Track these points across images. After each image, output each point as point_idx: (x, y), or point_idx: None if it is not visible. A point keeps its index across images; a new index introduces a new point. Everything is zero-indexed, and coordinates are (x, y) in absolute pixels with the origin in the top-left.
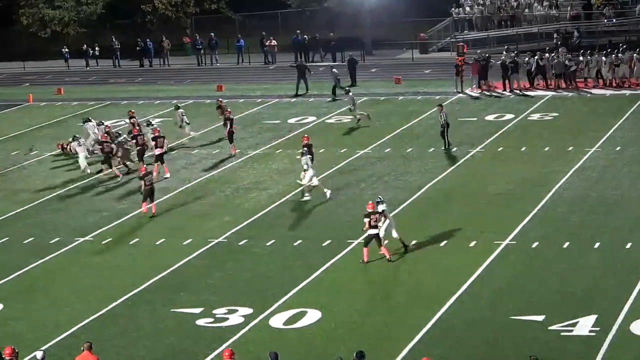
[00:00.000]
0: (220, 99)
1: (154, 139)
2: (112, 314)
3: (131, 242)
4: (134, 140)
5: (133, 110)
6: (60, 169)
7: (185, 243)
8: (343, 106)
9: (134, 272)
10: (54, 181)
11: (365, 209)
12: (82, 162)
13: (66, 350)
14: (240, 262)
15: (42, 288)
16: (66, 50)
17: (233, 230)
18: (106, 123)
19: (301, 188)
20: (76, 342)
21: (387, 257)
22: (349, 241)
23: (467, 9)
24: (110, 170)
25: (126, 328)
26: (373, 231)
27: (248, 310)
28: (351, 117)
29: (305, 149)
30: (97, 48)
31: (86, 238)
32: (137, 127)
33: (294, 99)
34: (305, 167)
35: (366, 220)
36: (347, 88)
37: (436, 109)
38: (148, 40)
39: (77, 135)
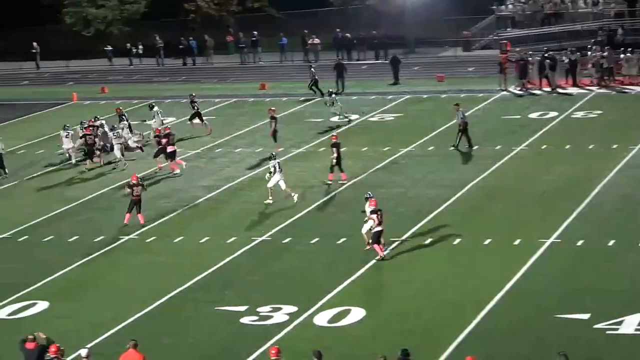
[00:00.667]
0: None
1: (165, 136)
2: (157, 312)
3: (175, 241)
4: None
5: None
6: (103, 167)
7: (229, 241)
8: (386, 104)
9: (178, 271)
10: (98, 180)
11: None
12: (66, 145)
13: (111, 348)
14: (284, 261)
15: (87, 286)
16: (110, 49)
17: (277, 229)
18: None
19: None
20: (121, 340)
21: (380, 255)
22: (392, 239)
23: (510, 6)
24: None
25: (171, 326)
26: (379, 228)
27: (292, 308)
28: (339, 117)
29: (334, 147)
30: (140, 47)
31: (131, 236)
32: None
33: (337, 97)
34: (272, 169)
35: (374, 215)
36: (330, 90)
37: (453, 108)
38: (191, 38)
39: (67, 125)
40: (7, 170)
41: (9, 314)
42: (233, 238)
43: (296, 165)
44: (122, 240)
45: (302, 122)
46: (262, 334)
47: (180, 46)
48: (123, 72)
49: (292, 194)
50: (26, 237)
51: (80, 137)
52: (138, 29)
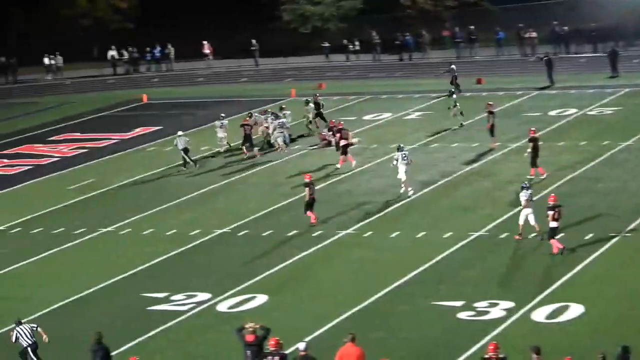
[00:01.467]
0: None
1: (337, 130)
2: (372, 306)
3: (392, 236)
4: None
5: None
6: (322, 160)
7: (445, 236)
8: (605, 97)
9: (395, 266)
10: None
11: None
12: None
13: (328, 342)
14: (501, 256)
15: (305, 280)
16: (327, 45)
17: (494, 224)
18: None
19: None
20: (338, 334)
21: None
22: (611, 234)
23: None
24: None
25: (387, 321)
26: (554, 224)
27: (510, 304)
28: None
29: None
30: (357, 43)
31: (347, 231)
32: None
33: (554, 91)
34: (394, 162)
35: (550, 212)
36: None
37: None
38: (407, 34)
39: (222, 115)
40: (196, 164)
41: (229, 307)
42: (449, 233)
43: (513, 160)
44: (338, 235)
45: (519, 117)
46: (479, 330)
47: (396, 42)
48: (340, 68)
49: (409, 189)
50: (246, 231)
51: (240, 126)
52: (354, 25)
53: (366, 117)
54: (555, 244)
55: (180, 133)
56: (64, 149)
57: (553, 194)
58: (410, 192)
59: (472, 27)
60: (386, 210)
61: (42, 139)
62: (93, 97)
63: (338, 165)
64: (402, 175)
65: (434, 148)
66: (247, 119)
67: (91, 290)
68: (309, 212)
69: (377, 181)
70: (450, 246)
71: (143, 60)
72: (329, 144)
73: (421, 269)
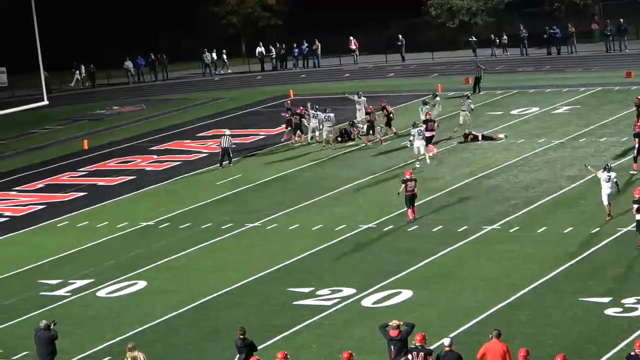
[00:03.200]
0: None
1: (424, 122)
2: (520, 302)
3: (539, 231)
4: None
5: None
6: (469, 155)
7: (593, 231)
8: None
9: (541, 261)
10: (462, 170)
11: None
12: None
13: (474, 337)
14: None
15: (451, 275)
16: (474, 39)
17: None
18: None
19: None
20: (483, 331)
21: None
22: None
23: None
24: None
25: (534, 316)
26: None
27: None
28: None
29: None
30: (504, 37)
31: (494, 226)
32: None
33: None
34: (411, 138)
35: (635, 206)
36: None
37: None
38: (555, 27)
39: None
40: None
41: (374, 302)
42: (596, 228)
43: None
44: (485, 230)
45: None
46: (626, 326)
47: (544, 35)
48: (487, 62)
49: (427, 157)
50: (391, 226)
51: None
52: (502, 19)
53: (513, 112)
54: None
55: (227, 132)
56: (212, 145)
57: (639, 187)
58: (429, 160)
59: (622, 19)
60: (533, 205)
61: (191, 135)
62: (241, 93)
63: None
64: (421, 149)
65: (582, 142)
66: (301, 108)
67: (238, 284)
68: (409, 210)
69: (524, 176)
70: (598, 242)
71: (291, 57)
72: (475, 138)
73: (568, 264)
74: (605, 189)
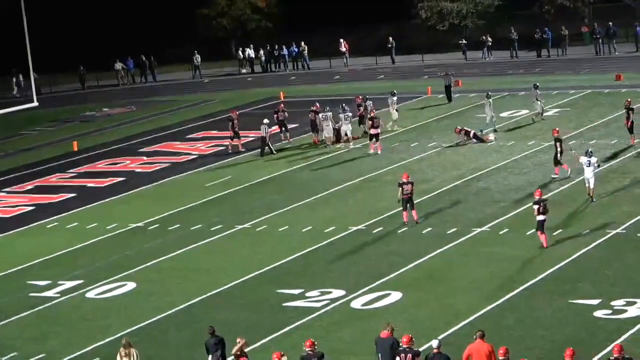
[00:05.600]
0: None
1: (370, 119)
2: (509, 303)
3: (528, 233)
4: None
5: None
6: (459, 158)
7: (583, 233)
8: None
9: (531, 263)
10: (452, 172)
11: None
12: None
13: (463, 340)
14: (639, 253)
15: (441, 277)
16: (464, 42)
17: (633, 221)
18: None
19: None
20: (473, 332)
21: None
22: None
23: None
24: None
25: (523, 318)
26: (541, 217)
27: None
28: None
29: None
30: (489, 40)
31: (483, 228)
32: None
33: None
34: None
35: (535, 207)
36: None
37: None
38: (546, 29)
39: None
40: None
41: (364, 304)
42: (586, 230)
43: None
44: (474, 232)
45: None
46: (615, 328)
47: (535, 36)
48: (477, 65)
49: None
50: (381, 228)
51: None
52: (492, 22)
53: (503, 114)
54: (543, 238)
55: (265, 120)
56: (201, 147)
57: (539, 189)
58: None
59: (611, 22)
60: (522, 208)
61: (181, 137)
62: (231, 95)
63: (370, 151)
64: (348, 132)
65: (572, 145)
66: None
67: (228, 286)
68: (405, 212)
69: (514, 178)
70: (588, 244)
71: (280, 58)
72: (467, 133)
73: (558, 266)
74: (587, 173)
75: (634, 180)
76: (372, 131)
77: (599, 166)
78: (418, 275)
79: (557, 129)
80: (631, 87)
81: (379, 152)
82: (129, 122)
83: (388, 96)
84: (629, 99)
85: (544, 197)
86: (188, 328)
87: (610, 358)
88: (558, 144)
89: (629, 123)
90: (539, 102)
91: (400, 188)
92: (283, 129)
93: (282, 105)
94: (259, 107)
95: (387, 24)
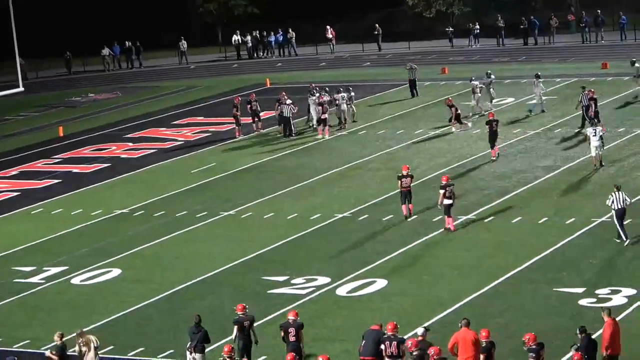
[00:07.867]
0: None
1: (320, 104)
2: (494, 291)
3: (514, 221)
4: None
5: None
6: (444, 145)
7: (568, 222)
8: None
9: (516, 251)
10: (437, 160)
11: None
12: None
13: (448, 327)
14: (621, 243)
15: (425, 265)
16: (450, 29)
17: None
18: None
19: None
20: (458, 320)
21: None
22: None
23: None
24: None
25: (508, 306)
26: (447, 201)
27: (632, 291)
28: None
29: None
30: (477, 27)
31: (469, 216)
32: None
33: None
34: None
35: (441, 191)
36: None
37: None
38: (532, 17)
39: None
40: (294, 132)
41: (348, 292)
42: (572, 219)
43: (637, 146)
44: (459, 220)
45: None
46: (600, 317)
47: (522, 26)
48: (463, 52)
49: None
50: (366, 215)
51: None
52: (478, 9)
53: (488, 102)
54: (450, 222)
55: (288, 101)
56: (187, 133)
57: (446, 175)
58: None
59: (599, 11)
60: (508, 196)
61: (166, 123)
62: (217, 82)
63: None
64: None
65: (557, 133)
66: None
67: (212, 273)
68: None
69: (500, 166)
70: (573, 232)
71: (267, 45)
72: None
73: (543, 254)
74: (593, 142)
75: (618, 169)
76: (322, 116)
77: (602, 138)
78: (403, 263)
79: (492, 112)
80: (617, 76)
81: (327, 136)
82: (114, 107)
83: (481, 79)
84: (592, 90)
85: (451, 182)
86: (173, 315)
87: (524, 348)
88: (494, 124)
89: (593, 113)
90: (538, 91)
91: (400, 181)
92: (256, 119)
93: (253, 94)
94: (245, 93)
95: (374, 11)
